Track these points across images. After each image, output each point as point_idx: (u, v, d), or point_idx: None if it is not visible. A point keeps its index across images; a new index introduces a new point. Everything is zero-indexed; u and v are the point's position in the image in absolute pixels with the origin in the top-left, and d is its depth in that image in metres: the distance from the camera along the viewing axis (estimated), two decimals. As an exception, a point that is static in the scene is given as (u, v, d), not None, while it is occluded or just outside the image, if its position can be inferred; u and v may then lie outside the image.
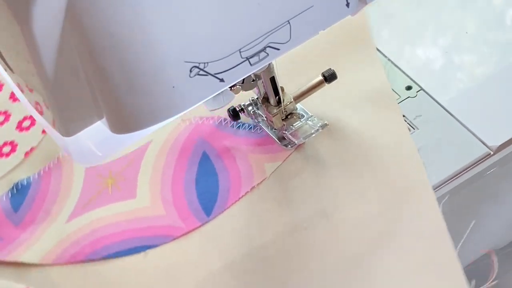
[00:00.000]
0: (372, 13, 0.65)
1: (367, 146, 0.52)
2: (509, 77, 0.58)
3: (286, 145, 0.53)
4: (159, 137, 0.56)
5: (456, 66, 0.60)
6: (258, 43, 0.37)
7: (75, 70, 0.34)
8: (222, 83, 0.36)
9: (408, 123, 0.54)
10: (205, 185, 0.52)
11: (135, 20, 0.32)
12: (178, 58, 0.34)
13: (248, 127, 0.55)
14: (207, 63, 0.35)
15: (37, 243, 0.50)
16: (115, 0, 0.31)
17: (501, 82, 0.57)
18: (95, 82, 0.34)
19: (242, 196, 0.51)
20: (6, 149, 0.57)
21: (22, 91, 0.38)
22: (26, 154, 0.56)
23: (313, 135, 0.52)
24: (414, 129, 0.54)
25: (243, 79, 0.47)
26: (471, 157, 0.51)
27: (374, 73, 0.58)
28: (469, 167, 0.51)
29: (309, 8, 0.37)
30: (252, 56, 0.37)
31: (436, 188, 0.50)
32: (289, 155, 0.53)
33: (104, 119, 0.36)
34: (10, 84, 0.40)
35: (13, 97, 0.60)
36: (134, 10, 0.32)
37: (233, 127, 0.56)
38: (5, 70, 0.38)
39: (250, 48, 0.36)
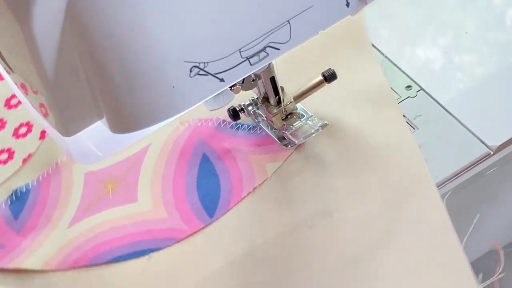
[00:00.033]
0: (372, 13, 0.65)
1: (368, 145, 0.52)
2: (509, 77, 0.58)
3: (286, 145, 0.53)
4: (158, 140, 0.56)
5: (456, 66, 0.60)
6: (258, 43, 0.37)
7: (75, 70, 0.34)
8: (222, 83, 0.36)
9: (408, 123, 0.54)
10: (207, 187, 0.52)
11: (135, 20, 0.32)
12: (178, 58, 0.34)
13: (247, 128, 0.55)
14: (207, 63, 0.35)
15: (39, 250, 0.50)
16: (115, 0, 0.31)
17: (501, 82, 0.57)
18: (95, 82, 0.34)
19: (244, 196, 0.51)
20: (3, 156, 0.57)
21: (26, 93, 0.38)
22: (24, 161, 0.56)
23: (313, 135, 0.52)
24: (414, 129, 0.54)
25: (243, 79, 0.47)
26: (471, 157, 0.51)
27: (372, 72, 0.58)
28: (469, 167, 0.51)
29: (309, 8, 0.37)
30: (252, 56, 0.37)
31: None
32: (290, 155, 0.53)
33: (104, 119, 0.36)
34: (12, 85, 0.40)
35: (8, 104, 0.60)
36: (134, 10, 0.32)
37: (232, 128, 0.56)
38: (8, 72, 0.38)
39: (250, 48, 0.36)
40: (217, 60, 0.35)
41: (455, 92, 0.57)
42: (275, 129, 0.53)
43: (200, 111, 0.56)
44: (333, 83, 0.52)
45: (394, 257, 0.45)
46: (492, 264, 0.58)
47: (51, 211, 0.52)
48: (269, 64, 0.47)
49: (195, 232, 0.49)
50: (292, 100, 0.52)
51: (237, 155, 0.54)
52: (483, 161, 0.52)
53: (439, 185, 0.50)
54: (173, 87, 0.35)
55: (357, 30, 0.62)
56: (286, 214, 0.49)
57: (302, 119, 0.53)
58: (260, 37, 0.36)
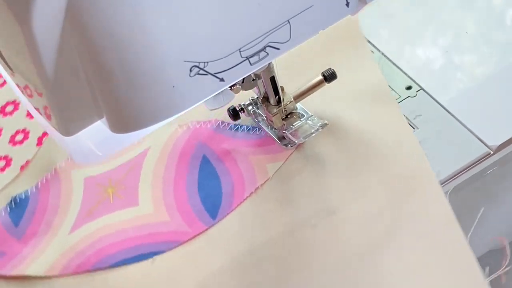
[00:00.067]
0: (372, 13, 0.65)
1: (368, 143, 0.52)
2: (509, 77, 0.58)
3: (286, 145, 0.53)
4: (157, 143, 0.56)
5: (456, 66, 0.60)
6: (258, 43, 0.37)
7: (75, 70, 0.34)
8: (222, 82, 0.36)
9: (408, 122, 0.54)
10: (208, 189, 0.52)
11: (135, 20, 0.32)
12: (178, 57, 0.34)
13: (247, 128, 0.55)
14: (207, 62, 0.35)
15: (41, 256, 0.49)
16: (115, 0, 0.32)
17: (501, 82, 0.57)
18: (95, 82, 0.34)
19: (247, 197, 0.51)
20: (1, 163, 0.57)
21: (31, 96, 0.37)
22: (22, 167, 0.56)
23: (313, 134, 0.52)
24: (414, 128, 0.54)
25: (243, 79, 0.47)
26: (471, 157, 0.51)
27: (370, 70, 0.58)
28: (469, 167, 0.51)
29: (309, 7, 0.37)
30: (252, 56, 0.37)
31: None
32: (290, 155, 0.53)
33: (104, 119, 0.36)
34: (13, 87, 0.40)
35: (3, 111, 0.60)
36: (134, 10, 0.32)
37: (231, 129, 0.56)
38: (12, 75, 0.38)
39: (250, 48, 0.36)
40: (217, 60, 0.35)
41: (455, 92, 0.57)
42: (275, 128, 0.53)
43: (199, 113, 0.56)
44: (332, 82, 0.52)
45: (400, 253, 0.45)
46: (498, 258, 0.58)
47: (52, 217, 0.52)
48: (269, 63, 0.47)
49: (198, 234, 0.49)
50: (292, 99, 0.52)
51: (237, 156, 0.54)
52: (483, 160, 0.52)
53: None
54: (173, 86, 0.35)
55: (353, 28, 0.62)
56: (288, 214, 0.49)
57: (302, 119, 0.53)
58: (260, 36, 0.36)
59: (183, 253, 0.49)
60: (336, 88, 0.54)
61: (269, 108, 0.51)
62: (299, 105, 0.53)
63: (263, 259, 0.47)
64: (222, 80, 0.36)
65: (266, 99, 0.51)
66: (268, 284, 0.46)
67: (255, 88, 0.51)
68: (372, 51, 0.62)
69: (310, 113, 0.53)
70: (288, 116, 0.52)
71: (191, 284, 0.47)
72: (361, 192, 0.49)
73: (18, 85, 0.38)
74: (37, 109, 0.38)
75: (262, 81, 0.49)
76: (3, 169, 0.56)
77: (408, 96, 0.57)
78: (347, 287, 0.45)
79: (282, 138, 0.54)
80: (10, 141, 0.58)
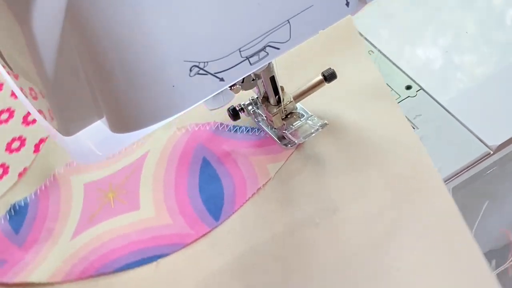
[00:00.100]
0: (372, 13, 0.65)
1: (368, 141, 0.52)
2: (509, 77, 0.58)
3: (286, 145, 0.53)
4: (156, 147, 0.55)
5: (456, 66, 0.61)
6: (258, 43, 0.37)
7: (75, 70, 0.34)
8: (222, 82, 0.36)
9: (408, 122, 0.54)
10: (209, 191, 0.52)
11: (135, 20, 0.32)
12: (178, 57, 0.34)
13: (246, 130, 0.55)
14: (207, 62, 0.35)
15: (44, 263, 0.49)
16: (115, 0, 0.32)
17: (501, 82, 0.58)
18: (95, 82, 0.34)
19: (249, 198, 0.51)
20: None
21: (35, 98, 0.37)
22: (20, 175, 0.56)
23: (313, 134, 0.52)
24: (414, 128, 0.54)
25: (243, 79, 0.47)
26: (471, 157, 0.51)
27: (367, 69, 0.58)
28: (469, 167, 0.51)
29: (309, 7, 0.37)
30: (252, 56, 0.37)
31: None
32: (290, 155, 0.53)
33: (104, 119, 0.36)
34: (15, 89, 0.40)
35: (-3, 119, 0.60)
36: (134, 10, 0.32)
37: (230, 131, 0.56)
38: (16, 79, 0.38)
39: (250, 48, 0.36)
40: (217, 60, 0.35)
41: (455, 92, 0.57)
42: (275, 128, 0.53)
43: (197, 115, 0.56)
44: (332, 82, 0.52)
45: (405, 250, 0.45)
46: (504, 252, 0.58)
47: (53, 223, 0.52)
48: (269, 63, 0.47)
49: (201, 236, 0.49)
50: (292, 99, 0.52)
51: (238, 157, 0.53)
52: (483, 160, 0.52)
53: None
54: (173, 86, 0.35)
55: (348, 27, 0.62)
56: (290, 214, 0.49)
57: (302, 119, 0.53)
58: (260, 36, 0.36)
59: (187, 256, 0.48)
60: (336, 88, 0.54)
61: (269, 108, 0.51)
62: (299, 105, 0.53)
63: (266, 260, 0.47)
64: (222, 80, 0.36)
65: (266, 99, 0.51)
66: (272, 284, 0.46)
67: (255, 88, 0.51)
68: (372, 51, 0.62)
69: (310, 113, 0.53)
70: (288, 116, 0.52)
71: (195, 286, 0.47)
72: (364, 191, 0.49)
73: (22, 88, 0.38)
74: (40, 111, 0.38)
75: (262, 81, 0.49)
76: (0, 177, 0.56)
77: (408, 96, 0.57)
78: (353, 286, 0.45)
79: (282, 138, 0.54)
80: (6, 149, 0.58)
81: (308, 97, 0.53)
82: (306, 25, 0.38)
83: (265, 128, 0.54)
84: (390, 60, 0.60)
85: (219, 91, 0.37)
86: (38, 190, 0.54)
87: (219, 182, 0.52)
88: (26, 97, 0.38)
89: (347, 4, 0.39)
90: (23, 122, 0.59)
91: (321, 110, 0.55)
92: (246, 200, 0.51)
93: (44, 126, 0.40)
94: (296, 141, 0.52)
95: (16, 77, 0.37)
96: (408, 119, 0.54)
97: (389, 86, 0.58)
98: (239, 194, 0.51)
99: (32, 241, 0.51)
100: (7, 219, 0.52)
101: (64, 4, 0.31)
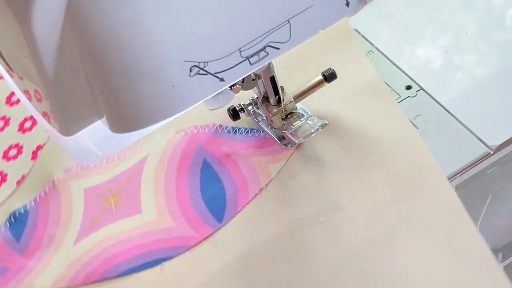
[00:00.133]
0: (372, 13, 0.65)
1: (369, 139, 0.52)
2: (509, 77, 0.58)
3: (286, 145, 0.53)
4: (155, 150, 0.55)
5: (456, 66, 0.61)
6: (258, 43, 0.37)
7: (75, 70, 0.34)
8: (222, 82, 0.36)
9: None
10: (211, 192, 0.52)
11: (135, 20, 0.32)
12: (178, 57, 0.34)
13: (245, 131, 0.55)
14: (207, 62, 0.35)
15: (47, 269, 0.49)
16: (115, 0, 0.32)
17: (501, 82, 0.58)
18: (95, 82, 0.34)
19: (252, 198, 0.51)
20: None
21: (40, 100, 0.37)
22: (18, 182, 0.56)
23: (313, 134, 0.52)
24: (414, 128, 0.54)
25: (243, 79, 0.47)
26: (471, 157, 0.51)
27: (365, 67, 0.58)
28: (469, 167, 0.51)
29: (309, 7, 0.37)
30: (252, 56, 0.37)
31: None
32: (291, 155, 0.53)
33: (104, 119, 0.36)
34: (16, 90, 0.40)
35: (-7, 128, 0.60)
36: (134, 10, 0.32)
37: (229, 132, 0.55)
38: (19, 79, 0.37)
39: (250, 48, 0.36)
40: (217, 60, 0.35)
41: (455, 92, 0.57)
42: (275, 128, 0.53)
43: (195, 117, 0.56)
44: (332, 82, 0.52)
45: (411, 246, 0.45)
46: (509, 247, 0.58)
47: (54, 230, 0.52)
48: (269, 63, 0.47)
49: (205, 238, 0.49)
50: (292, 99, 0.52)
51: (238, 158, 0.53)
52: (483, 160, 0.52)
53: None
54: (173, 86, 0.35)
55: (346, 27, 0.62)
56: (293, 214, 0.49)
57: (302, 119, 0.53)
58: (260, 36, 0.36)
59: (191, 258, 0.48)
60: (336, 88, 0.54)
61: (269, 108, 0.51)
62: (299, 105, 0.53)
63: (270, 260, 0.47)
64: (222, 80, 0.36)
65: (266, 99, 0.51)
66: (277, 285, 0.46)
67: (255, 88, 0.51)
68: (372, 51, 0.62)
69: (310, 113, 0.53)
70: (288, 116, 0.52)
71: (200, 286, 0.47)
72: (366, 188, 0.49)
73: (27, 91, 0.38)
74: (45, 113, 0.37)
75: (262, 81, 0.49)
76: None
77: (408, 96, 0.57)
78: (360, 283, 0.45)
79: (282, 138, 0.54)
80: (3, 157, 0.58)
81: (308, 97, 0.53)
82: (306, 25, 0.38)
83: (265, 128, 0.54)
84: (390, 60, 0.60)
85: (219, 91, 0.37)
86: (38, 197, 0.54)
87: (220, 184, 0.52)
88: (31, 99, 0.38)
89: (347, 4, 0.39)
90: (19, 130, 0.59)
91: (321, 110, 0.55)
92: (249, 201, 0.51)
93: (45, 127, 0.40)
94: (296, 141, 0.52)
95: (21, 78, 0.37)
96: (408, 119, 0.54)
97: (389, 86, 0.58)
98: (241, 195, 0.51)
99: (34, 248, 0.51)
100: (7, 227, 0.52)
101: (64, 4, 0.31)
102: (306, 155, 0.53)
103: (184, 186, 0.53)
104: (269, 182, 0.51)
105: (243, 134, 0.55)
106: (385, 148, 0.51)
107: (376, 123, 0.53)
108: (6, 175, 0.56)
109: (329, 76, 0.52)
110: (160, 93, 0.35)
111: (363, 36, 0.64)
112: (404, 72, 0.59)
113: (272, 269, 0.47)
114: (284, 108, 0.51)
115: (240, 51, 0.36)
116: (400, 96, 0.57)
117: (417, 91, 0.57)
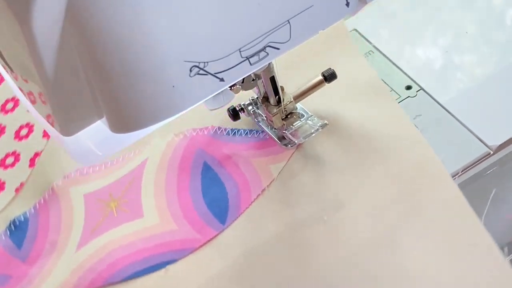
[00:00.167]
0: (372, 13, 0.65)
1: (369, 139, 0.52)
2: (509, 77, 0.58)
3: (286, 145, 0.53)
4: (155, 153, 0.55)
5: (456, 66, 0.61)
6: (258, 43, 0.37)
7: (75, 70, 0.34)
8: (222, 82, 0.36)
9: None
10: (213, 194, 0.52)
11: (135, 20, 0.32)
12: (178, 57, 0.34)
13: (244, 132, 0.55)
14: (207, 62, 0.35)
15: (50, 276, 0.49)
16: (115, 0, 0.32)
17: (501, 82, 0.58)
18: (95, 82, 0.34)
19: (254, 199, 0.51)
20: None
21: (44, 102, 0.37)
22: (17, 190, 0.55)
23: (313, 134, 0.52)
24: (414, 128, 0.54)
25: (243, 79, 0.47)
26: (471, 157, 0.51)
27: (362, 67, 0.58)
28: (469, 167, 0.51)
29: (309, 7, 0.37)
30: (252, 56, 0.37)
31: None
32: (292, 155, 0.53)
33: (104, 119, 0.36)
34: (16, 91, 0.40)
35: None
36: (134, 10, 0.32)
37: (229, 134, 0.55)
38: (24, 82, 0.37)
39: (250, 48, 0.36)
40: (217, 60, 0.35)
41: (455, 92, 0.57)
42: (275, 129, 0.53)
43: (194, 120, 0.56)
44: (332, 82, 0.52)
45: (416, 242, 0.45)
46: None
47: (55, 236, 0.52)
48: (269, 63, 0.47)
49: (209, 240, 0.49)
50: (292, 99, 0.52)
51: (239, 159, 0.53)
52: (483, 160, 0.52)
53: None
54: (173, 86, 0.35)
55: (343, 27, 0.62)
56: (295, 214, 0.49)
57: (302, 119, 0.53)
58: (260, 36, 0.36)
59: (195, 260, 0.48)
60: (336, 88, 0.54)
61: (269, 108, 0.51)
62: (299, 105, 0.53)
63: (274, 260, 0.47)
64: (222, 80, 0.36)
65: (266, 99, 0.51)
66: (282, 285, 0.46)
67: (255, 88, 0.51)
68: (372, 51, 0.62)
69: (310, 113, 0.53)
70: (288, 116, 0.52)
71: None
72: (367, 188, 0.49)
73: (31, 93, 0.38)
74: (49, 115, 0.37)
75: (262, 81, 0.49)
76: None
77: (408, 96, 0.57)
78: (361, 283, 0.45)
79: (282, 138, 0.54)
80: (0, 165, 0.57)
81: (308, 97, 0.53)
82: (306, 25, 0.38)
83: (265, 128, 0.54)
84: (390, 60, 0.60)
85: (219, 91, 0.37)
86: (37, 204, 0.54)
87: (222, 186, 0.52)
88: (35, 102, 0.38)
89: (347, 4, 0.39)
90: (15, 137, 0.59)
91: (321, 110, 0.55)
92: (252, 202, 0.50)
93: (47, 128, 0.40)
94: (296, 141, 0.52)
95: (25, 81, 0.37)
96: (408, 118, 0.54)
97: (389, 86, 0.58)
98: (243, 196, 0.51)
99: (36, 255, 0.51)
100: (8, 234, 0.52)
101: (64, 4, 0.31)
102: (306, 155, 0.53)
103: (185, 188, 0.52)
104: (271, 182, 0.51)
105: (243, 135, 0.55)
106: (386, 148, 0.51)
107: (376, 122, 0.53)
108: (4, 182, 0.56)
109: (329, 76, 0.52)
110: (160, 93, 0.35)
111: (363, 36, 0.64)
112: (404, 72, 0.59)
113: (274, 269, 0.47)
114: (284, 108, 0.51)
115: (240, 51, 0.36)
116: (400, 96, 0.57)
117: (417, 91, 0.57)
